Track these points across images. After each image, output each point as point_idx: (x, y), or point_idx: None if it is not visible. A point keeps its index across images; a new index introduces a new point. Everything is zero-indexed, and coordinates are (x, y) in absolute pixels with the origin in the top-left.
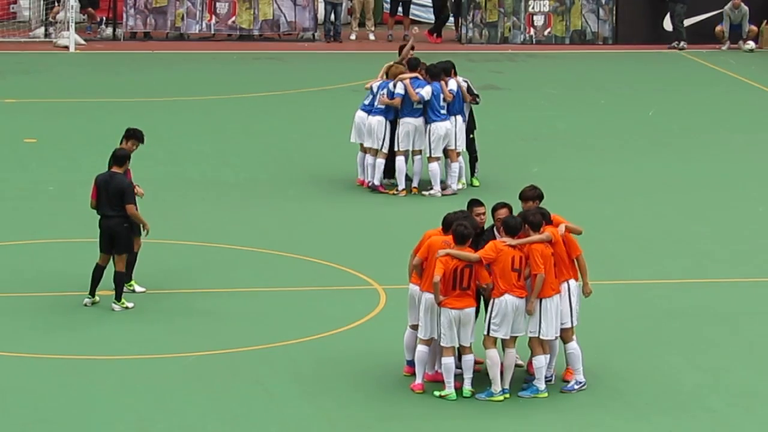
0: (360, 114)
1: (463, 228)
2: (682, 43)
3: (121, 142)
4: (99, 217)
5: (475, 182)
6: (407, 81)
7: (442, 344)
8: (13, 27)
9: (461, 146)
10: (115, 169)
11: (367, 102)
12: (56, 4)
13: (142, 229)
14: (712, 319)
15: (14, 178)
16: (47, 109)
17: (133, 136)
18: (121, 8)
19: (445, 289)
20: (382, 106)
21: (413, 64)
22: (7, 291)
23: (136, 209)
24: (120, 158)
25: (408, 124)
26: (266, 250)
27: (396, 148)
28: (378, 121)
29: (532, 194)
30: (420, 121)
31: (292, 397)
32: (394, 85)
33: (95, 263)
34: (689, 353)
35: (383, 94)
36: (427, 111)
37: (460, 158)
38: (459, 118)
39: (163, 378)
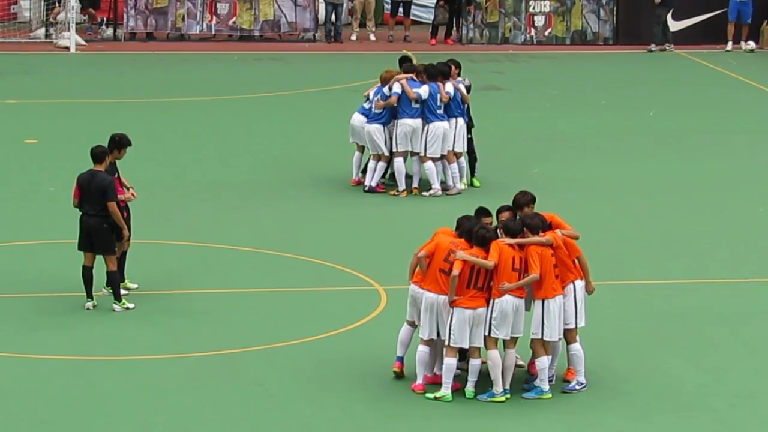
0: (358, 117)
1: (485, 231)
2: (665, 45)
3: (111, 150)
4: (80, 214)
5: (476, 182)
6: (404, 81)
7: (450, 344)
8: (13, 28)
9: (460, 148)
10: (96, 168)
11: (367, 106)
12: (57, 4)
13: (122, 232)
14: (713, 320)
15: (15, 179)
16: (48, 110)
17: (119, 144)
18: (122, 9)
19: (459, 288)
20: (379, 112)
21: (409, 70)
22: (7, 291)
23: (118, 207)
24: (98, 155)
25: (406, 125)
26: (267, 250)
27: (394, 149)
28: (377, 129)
29: (525, 200)
30: (418, 122)
31: (293, 398)
32: (390, 88)
33: (81, 265)
34: (690, 353)
35: (378, 99)
36: (425, 111)
37: (461, 159)
38: (460, 120)
39: (163, 379)
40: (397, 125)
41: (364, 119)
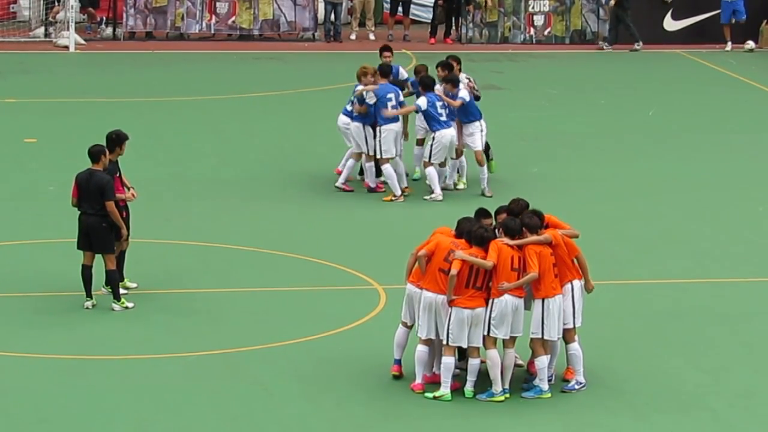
0: (342, 118)
1: (483, 231)
2: (638, 44)
3: (111, 149)
4: (79, 213)
5: (494, 167)
6: (369, 88)
7: (448, 344)
8: (13, 27)
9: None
10: (94, 167)
11: (349, 108)
12: (56, 3)
13: (120, 231)
14: (712, 319)
15: (14, 178)
16: (47, 109)
17: (117, 140)
18: (121, 8)
19: (458, 287)
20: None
21: (385, 71)
22: (6, 291)
23: (117, 207)
24: (95, 154)
25: (390, 130)
26: (266, 249)
27: (380, 156)
28: (356, 127)
29: (519, 208)
30: (400, 125)
31: (292, 397)
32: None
33: (81, 264)
34: (689, 353)
35: (355, 101)
36: (430, 121)
37: (463, 158)
38: (483, 123)
39: (162, 378)
40: (381, 131)
41: (348, 119)
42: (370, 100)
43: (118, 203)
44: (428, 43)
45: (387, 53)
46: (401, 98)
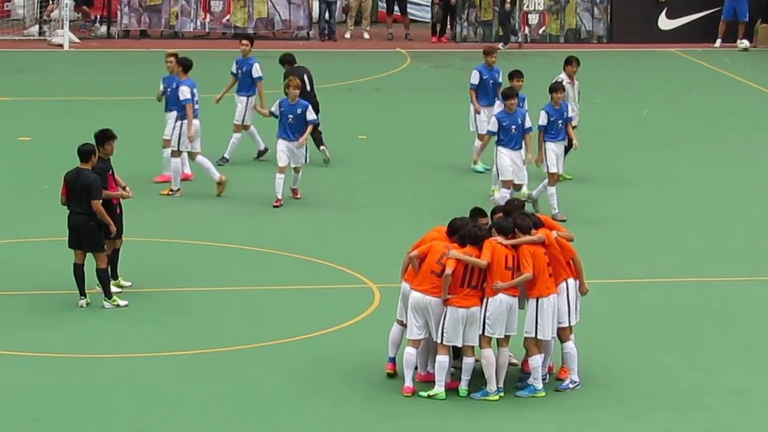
0: None
1: (477, 230)
2: (503, 45)
3: (98, 149)
4: (68, 212)
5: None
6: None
7: (443, 343)
8: (7, 25)
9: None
10: (82, 166)
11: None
12: (50, 2)
13: (108, 228)
14: (707, 318)
15: (8, 177)
16: (41, 108)
17: (101, 138)
18: (116, 6)
19: (453, 286)
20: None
21: (186, 65)
22: (0, 289)
23: (111, 204)
24: (84, 153)
25: (197, 124)
26: (260, 248)
27: (177, 148)
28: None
29: (513, 208)
30: (197, 122)
31: (287, 396)
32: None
33: (72, 263)
34: (684, 352)
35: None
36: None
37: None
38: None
39: (157, 376)
40: (182, 125)
41: None
42: (184, 95)
43: (110, 201)
44: (429, 42)
45: (245, 41)
46: (196, 97)
